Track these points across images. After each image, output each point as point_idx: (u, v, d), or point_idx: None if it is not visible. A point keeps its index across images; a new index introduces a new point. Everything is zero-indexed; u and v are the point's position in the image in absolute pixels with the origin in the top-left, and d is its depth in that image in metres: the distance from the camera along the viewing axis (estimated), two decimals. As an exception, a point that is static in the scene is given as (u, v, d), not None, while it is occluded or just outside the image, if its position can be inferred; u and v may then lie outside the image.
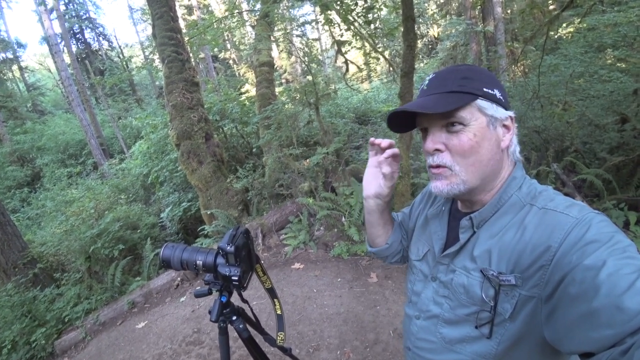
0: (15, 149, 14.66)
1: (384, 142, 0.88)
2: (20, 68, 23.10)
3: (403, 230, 1.09)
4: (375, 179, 0.93)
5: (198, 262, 1.18)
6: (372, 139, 0.90)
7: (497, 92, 0.72)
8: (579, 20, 7.15)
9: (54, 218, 6.25)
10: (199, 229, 5.31)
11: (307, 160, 4.99)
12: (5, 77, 21.86)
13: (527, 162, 4.24)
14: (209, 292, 1.24)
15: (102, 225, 5.05)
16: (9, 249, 4.48)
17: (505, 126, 0.74)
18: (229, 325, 1.30)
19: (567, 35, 8.19)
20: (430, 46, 18.54)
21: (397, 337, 2.66)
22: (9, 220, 4.67)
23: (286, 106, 5.78)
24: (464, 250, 0.78)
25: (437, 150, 0.74)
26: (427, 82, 0.77)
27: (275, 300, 1.48)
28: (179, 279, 4.33)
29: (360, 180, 4.73)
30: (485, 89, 0.71)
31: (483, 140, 0.70)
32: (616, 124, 4.36)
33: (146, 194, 8.13)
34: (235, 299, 1.32)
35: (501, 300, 0.69)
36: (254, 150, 7.10)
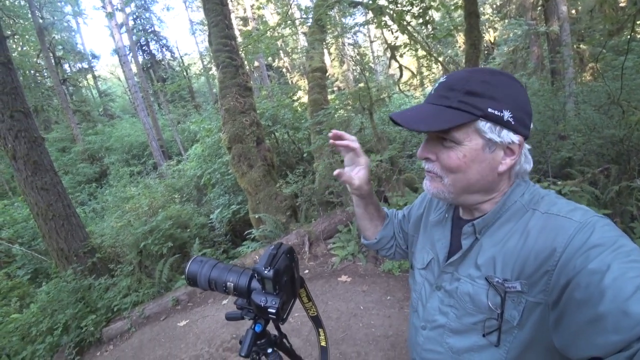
0: (86, 149, 16.03)
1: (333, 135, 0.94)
2: (94, 77, 25.61)
3: (399, 229, 1.10)
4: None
5: (229, 283, 0.98)
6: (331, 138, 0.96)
7: (505, 114, 0.65)
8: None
9: (114, 212, 6.60)
10: (246, 232, 5.29)
11: (359, 167, 4.78)
12: (81, 85, 24.32)
13: (607, 177, 3.70)
14: (242, 318, 1.03)
15: (154, 222, 5.22)
16: (72, 238, 4.75)
17: (509, 149, 0.69)
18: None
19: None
20: (486, 52, 17.55)
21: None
22: (74, 212, 4.97)
23: (339, 112, 5.65)
24: (468, 258, 0.76)
25: (427, 158, 0.75)
26: (437, 85, 0.73)
27: (320, 330, 1.23)
28: (223, 280, 4.30)
29: (414, 190, 4.44)
30: (490, 110, 0.65)
31: (473, 162, 0.69)
32: None
33: (199, 195, 8.38)
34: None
35: (508, 307, 0.68)
36: (304, 156, 7.05)
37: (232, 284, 0.97)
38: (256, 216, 5.15)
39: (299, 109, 7.79)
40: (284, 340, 1.15)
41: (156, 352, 3.38)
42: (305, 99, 8.90)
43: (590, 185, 3.50)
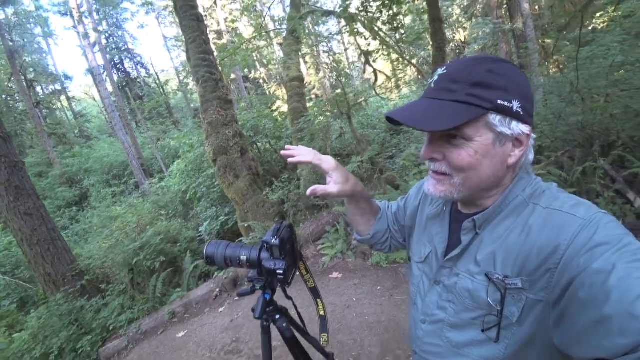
0: (64, 172, 15.73)
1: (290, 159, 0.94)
2: (68, 98, 25.16)
3: (394, 221, 1.08)
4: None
5: (242, 257, 1.16)
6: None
7: (515, 104, 0.63)
8: (612, 8, 6.74)
9: (100, 233, 6.55)
10: (237, 241, 5.35)
11: (342, 170, 4.96)
12: (54, 107, 23.90)
13: (571, 160, 4.00)
14: (252, 291, 1.21)
15: (144, 238, 5.23)
16: (59, 262, 4.70)
17: (518, 140, 0.66)
18: (271, 325, 1.26)
19: (602, 24, 7.72)
20: (457, 51, 18.15)
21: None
22: (59, 236, 4.92)
23: (318, 118, 5.83)
24: (467, 253, 0.75)
25: (434, 158, 0.71)
26: (436, 77, 0.69)
27: (318, 300, 1.40)
28: (217, 290, 4.38)
29: (396, 188, 4.64)
30: (500, 101, 0.62)
31: (485, 157, 0.65)
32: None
33: (185, 210, 8.39)
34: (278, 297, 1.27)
35: (508, 304, 0.67)
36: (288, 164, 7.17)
37: (245, 257, 1.16)
38: (245, 225, 5.24)
39: (279, 119, 7.95)
40: (292, 305, 1.36)
41: (157, 365, 3.42)
42: (284, 108, 9.07)
43: (557, 169, 3.79)
